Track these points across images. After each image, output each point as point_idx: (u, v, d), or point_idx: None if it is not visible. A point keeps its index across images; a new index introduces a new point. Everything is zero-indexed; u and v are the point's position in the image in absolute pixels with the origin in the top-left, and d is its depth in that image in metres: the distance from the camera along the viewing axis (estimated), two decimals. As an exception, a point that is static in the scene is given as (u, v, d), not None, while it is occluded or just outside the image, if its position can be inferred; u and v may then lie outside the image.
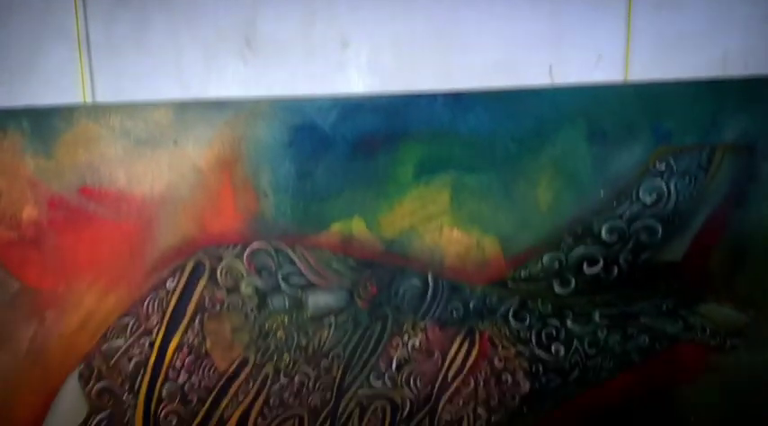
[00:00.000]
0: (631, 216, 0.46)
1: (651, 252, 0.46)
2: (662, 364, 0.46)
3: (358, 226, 0.48)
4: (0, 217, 0.49)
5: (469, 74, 0.48)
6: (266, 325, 0.49)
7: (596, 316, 0.46)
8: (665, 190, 0.45)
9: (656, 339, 0.46)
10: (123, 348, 0.49)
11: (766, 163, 0.45)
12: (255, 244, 0.48)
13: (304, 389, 0.48)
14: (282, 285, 0.48)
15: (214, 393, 0.49)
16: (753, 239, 0.45)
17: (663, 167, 0.45)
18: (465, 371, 0.47)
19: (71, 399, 0.50)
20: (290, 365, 0.48)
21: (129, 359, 0.49)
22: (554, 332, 0.47)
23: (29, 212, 0.49)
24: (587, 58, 0.48)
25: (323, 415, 0.48)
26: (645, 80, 0.47)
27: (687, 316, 0.45)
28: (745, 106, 0.44)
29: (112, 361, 0.49)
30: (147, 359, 0.49)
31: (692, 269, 0.45)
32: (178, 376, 0.49)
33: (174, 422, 0.49)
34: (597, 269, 0.46)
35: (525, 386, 0.47)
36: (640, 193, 0.46)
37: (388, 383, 0.48)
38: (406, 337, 0.48)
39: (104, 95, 0.51)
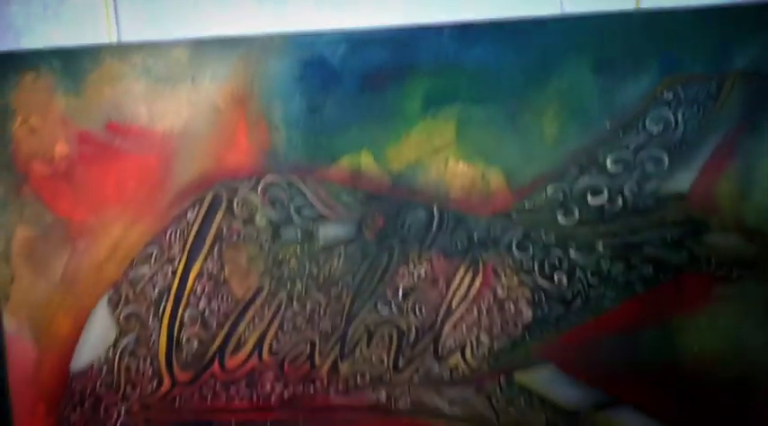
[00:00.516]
0: (637, 146, 0.46)
1: (657, 182, 0.45)
2: (666, 294, 0.46)
3: (366, 160, 0.49)
4: (35, 153, 0.53)
5: (477, 5, 0.48)
6: (280, 255, 0.51)
7: (599, 247, 0.46)
8: (673, 119, 0.45)
9: (661, 269, 0.46)
10: (148, 276, 0.53)
11: (779, 91, 0.44)
12: (269, 178, 0.50)
13: (315, 315, 0.51)
14: (294, 217, 0.50)
15: (232, 318, 0.52)
16: (761, 168, 0.44)
17: (670, 97, 0.45)
18: (469, 300, 0.49)
19: (102, 322, 0.54)
20: (303, 292, 0.51)
21: (154, 287, 0.53)
22: (557, 262, 0.47)
23: (61, 148, 0.53)
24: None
25: (333, 340, 0.51)
26: (656, 7, 0.46)
27: (692, 247, 0.45)
28: (757, 33, 0.43)
29: (138, 288, 0.53)
30: (170, 286, 0.53)
31: (699, 199, 0.45)
32: (198, 302, 0.52)
33: (194, 345, 0.53)
34: (601, 199, 0.46)
35: (527, 314, 0.48)
36: (647, 123, 0.45)
37: (395, 310, 0.50)
38: (411, 267, 0.49)
39: (129, 35, 0.53)
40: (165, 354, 0.53)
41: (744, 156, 0.44)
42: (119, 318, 0.53)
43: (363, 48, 0.48)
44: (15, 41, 0.55)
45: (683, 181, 0.45)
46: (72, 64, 0.51)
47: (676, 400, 0.47)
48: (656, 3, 0.46)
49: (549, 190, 0.47)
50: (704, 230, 0.45)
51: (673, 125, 0.45)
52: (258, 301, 0.51)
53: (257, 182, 0.51)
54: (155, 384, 0.53)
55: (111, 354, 0.53)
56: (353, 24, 0.50)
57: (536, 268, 0.48)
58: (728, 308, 0.45)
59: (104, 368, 0.54)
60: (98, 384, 0.54)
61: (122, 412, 0.54)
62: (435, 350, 0.49)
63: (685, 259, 0.46)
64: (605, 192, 0.46)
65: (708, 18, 0.44)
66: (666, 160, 0.45)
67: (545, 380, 0.48)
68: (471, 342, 0.49)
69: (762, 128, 0.44)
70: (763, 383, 0.45)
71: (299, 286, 0.51)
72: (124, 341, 0.53)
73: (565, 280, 0.47)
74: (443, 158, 0.48)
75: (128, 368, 0.53)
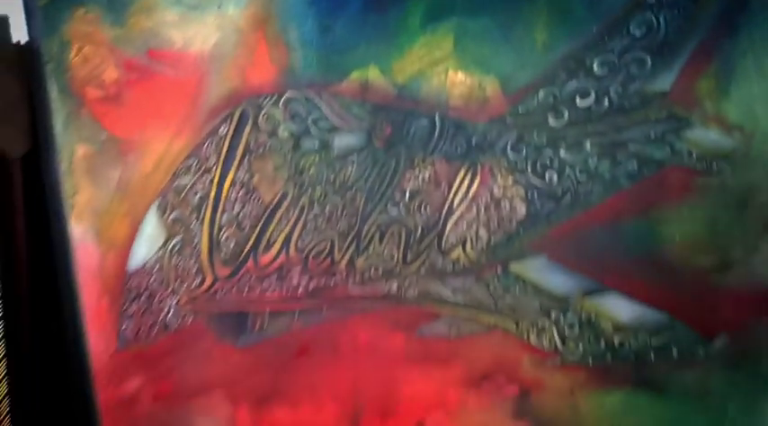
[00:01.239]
0: (622, 49, 0.49)
1: (640, 83, 0.49)
2: (649, 188, 0.50)
3: (373, 74, 0.54)
4: (89, 79, 0.60)
5: None
6: (301, 164, 0.57)
7: (587, 145, 0.50)
8: (655, 22, 0.48)
9: (644, 164, 0.50)
10: (189, 184, 0.60)
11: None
12: (289, 94, 0.56)
13: (333, 216, 0.57)
14: (312, 129, 0.56)
15: (262, 220, 0.59)
16: (740, 66, 0.47)
17: (653, 0, 0.48)
18: (468, 199, 0.54)
19: (152, 226, 0.62)
20: (322, 196, 0.57)
21: (195, 194, 0.60)
22: (548, 162, 0.51)
23: (110, 74, 0.60)
24: None
25: (349, 238, 0.57)
26: None
27: (674, 142, 0.49)
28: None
29: (181, 196, 0.60)
30: (208, 193, 0.60)
31: (680, 97, 0.48)
32: (233, 207, 0.60)
33: (231, 245, 0.60)
34: (589, 101, 0.50)
35: (521, 210, 0.53)
36: (631, 28, 0.48)
37: (403, 211, 0.55)
38: (416, 171, 0.55)
39: None
40: (207, 253, 0.61)
41: (723, 56, 0.47)
42: (166, 222, 0.61)
43: (367, -29, 0.52)
44: None
45: (665, 80, 0.48)
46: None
47: (658, 285, 0.51)
48: None
49: (541, 94, 0.51)
50: (686, 126, 0.49)
51: (655, 28, 0.48)
52: (284, 205, 0.58)
53: (279, 98, 0.57)
54: (199, 280, 0.62)
55: (161, 254, 0.62)
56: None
57: (529, 168, 0.52)
58: (708, 200, 0.49)
59: (156, 267, 0.62)
60: (151, 280, 0.63)
61: (172, 305, 0.63)
62: (439, 245, 0.55)
63: (668, 154, 0.49)
64: (592, 94, 0.50)
65: None
66: (649, 61, 0.48)
67: (538, 269, 0.53)
68: (471, 237, 0.54)
69: (740, 29, 0.46)
70: (738, 269, 0.49)
71: (318, 191, 0.57)
72: (172, 243, 0.61)
73: (555, 178, 0.52)
74: (443, 69, 0.53)
75: (176, 266, 0.62)
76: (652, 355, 0.52)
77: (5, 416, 0.66)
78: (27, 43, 0.65)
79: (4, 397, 0.65)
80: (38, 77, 0.63)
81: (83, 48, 0.60)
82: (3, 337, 0.66)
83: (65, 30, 0.60)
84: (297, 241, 0.59)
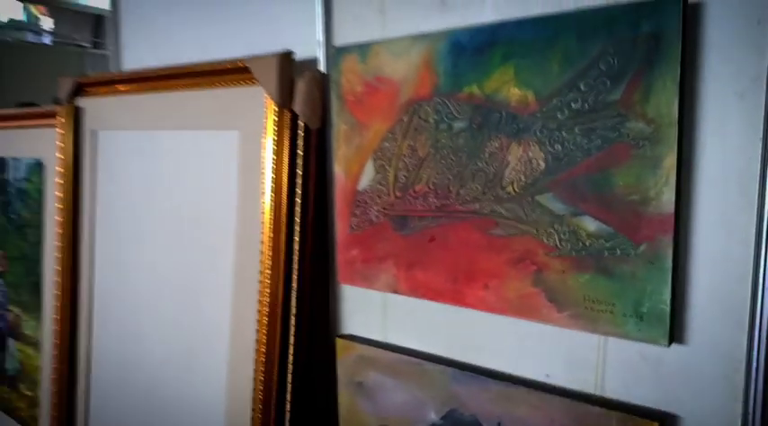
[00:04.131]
0: (595, 76, 0.82)
1: (604, 95, 0.81)
2: (607, 154, 0.82)
3: (475, 89, 0.96)
4: (349, 90, 1.15)
5: None
6: (437, 136, 1.03)
7: (576, 129, 0.83)
8: (612, 61, 0.81)
9: (605, 141, 0.79)
10: (387, 146, 1.11)
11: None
12: (434, 99, 1.02)
13: (450, 166, 1.01)
14: (443, 117, 1.02)
15: (417, 167, 1.07)
16: (654, 85, 0.78)
17: (611, 50, 0.82)
18: (516, 158, 0.94)
19: (369, 168, 1.14)
20: (446, 155, 1.02)
21: (389, 151, 1.11)
22: (556, 138, 0.87)
23: (358, 88, 1.12)
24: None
25: (457, 178, 1.01)
26: None
27: (620, 129, 0.78)
28: None
29: (383, 152, 1.12)
30: (395, 152, 1.10)
31: (624, 103, 0.80)
32: (404, 159, 1.09)
33: (402, 180, 1.09)
34: (578, 105, 0.84)
35: (542, 165, 0.89)
36: (599, 64, 0.82)
37: (484, 164, 0.97)
38: (492, 142, 0.95)
39: (373, 35, 1.12)
40: (392, 183, 1.11)
41: (645, 79, 0.78)
42: (375, 166, 1.12)
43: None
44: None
45: (616, 94, 0.80)
46: (365, 49, 1.12)
47: (610, 211, 0.84)
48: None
49: (554, 101, 0.87)
50: (626, 120, 0.80)
51: (612, 64, 0.80)
52: (428, 159, 1.05)
53: (429, 101, 1.04)
54: (386, 198, 1.12)
55: (371, 183, 1.14)
56: None
57: (547, 142, 0.88)
58: (637, 162, 0.80)
59: (369, 189, 1.15)
60: (366, 197, 1.15)
61: (374, 210, 1.15)
62: (500, 184, 0.96)
63: (617, 135, 0.81)
64: (579, 101, 0.84)
65: None
66: (609, 83, 0.81)
67: (548, 200, 0.89)
68: (516, 179, 0.94)
69: (654, 64, 0.78)
70: (652, 203, 0.80)
71: (444, 151, 1.02)
72: (377, 177, 1.13)
73: (560, 148, 0.88)
74: (508, 87, 0.93)
75: (377, 189, 1.13)
76: (606, 253, 0.82)
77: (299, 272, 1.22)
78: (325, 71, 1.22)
79: (301, 258, 1.23)
80: (327, 88, 1.19)
81: (348, 74, 1.16)
82: (302, 225, 1.25)
83: (341, 64, 1.15)
84: (432, 179, 1.05)
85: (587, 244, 0.79)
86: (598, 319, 0.83)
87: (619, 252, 0.77)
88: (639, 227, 0.75)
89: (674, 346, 0.80)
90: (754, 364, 0.73)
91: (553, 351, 0.92)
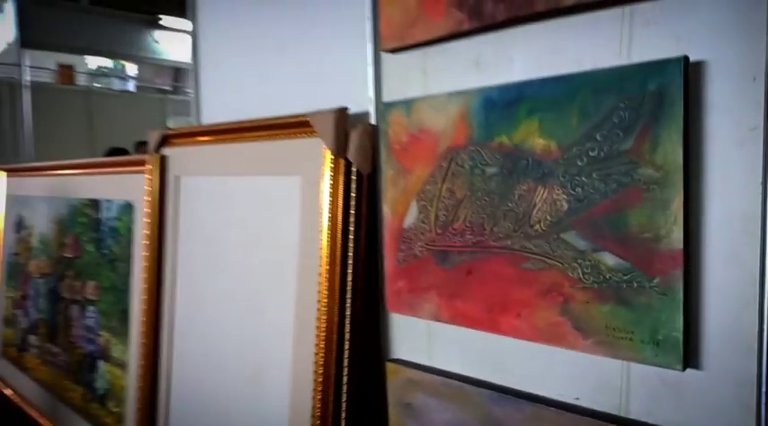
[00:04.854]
0: (609, 128, 0.92)
1: (617, 144, 0.91)
2: (621, 197, 0.91)
3: (504, 139, 1.06)
4: (395, 139, 1.28)
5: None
6: (472, 180, 1.13)
7: (594, 175, 0.94)
8: (624, 115, 0.90)
9: (619, 186, 0.89)
10: (429, 189, 1.23)
11: None
12: (469, 147, 1.13)
13: (484, 207, 1.11)
14: (477, 164, 1.13)
15: (455, 207, 1.17)
16: (661, 136, 0.86)
17: (623, 105, 0.91)
18: (542, 200, 1.03)
19: (413, 207, 1.26)
20: (480, 197, 1.12)
21: (431, 193, 1.22)
22: (577, 182, 0.97)
23: (403, 138, 1.24)
24: None
25: (491, 218, 1.11)
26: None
27: (632, 175, 0.88)
28: None
29: (425, 194, 1.23)
30: (437, 193, 1.21)
31: (635, 151, 0.89)
32: (444, 200, 1.20)
33: (442, 218, 1.20)
34: (595, 153, 0.94)
35: (565, 206, 0.99)
36: (613, 118, 0.91)
37: (514, 204, 1.07)
38: (521, 186, 1.05)
39: (416, 91, 1.24)
40: (434, 222, 1.22)
41: (653, 131, 0.87)
42: (419, 205, 1.24)
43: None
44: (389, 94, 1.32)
45: (628, 143, 0.89)
46: (409, 105, 1.25)
47: (626, 247, 0.92)
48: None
49: (574, 150, 0.97)
50: (637, 166, 0.89)
51: (624, 118, 0.90)
52: (464, 200, 1.15)
53: (465, 149, 1.15)
54: (428, 234, 1.23)
55: (415, 221, 1.25)
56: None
57: (569, 185, 0.97)
58: (648, 204, 0.88)
59: (413, 227, 1.26)
60: (411, 233, 1.26)
61: (418, 246, 1.25)
62: (529, 222, 1.05)
63: (629, 180, 0.89)
64: (596, 149, 0.94)
65: None
66: (621, 134, 0.90)
67: (572, 237, 0.98)
68: (542, 219, 1.03)
69: (660, 118, 0.86)
70: (663, 241, 0.87)
71: (479, 194, 1.13)
72: (420, 216, 1.24)
73: (580, 191, 0.97)
74: (533, 137, 1.03)
75: (420, 227, 1.24)
76: (624, 285, 0.89)
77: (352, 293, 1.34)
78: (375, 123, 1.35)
79: (354, 279, 1.35)
80: (377, 138, 1.31)
81: (394, 126, 1.29)
82: (355, 259, 1.37)
83: (388, 118, 1.27)
84: (469, 218, 1.15)
85: (607, 277, 0.84)
86: (619, 346, 0.90)
87: (635, 284, 0.81)
88: (653, 262, 0.79)
89: (690, 371, 0.86)
90: (764, 389, 0.78)
91: (581, 376, 0.98)
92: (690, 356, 0.86)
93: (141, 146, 4.29)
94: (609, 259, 0.86)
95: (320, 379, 1.26)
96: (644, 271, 0.82)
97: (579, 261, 0.88)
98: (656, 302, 0.81)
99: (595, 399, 0.97)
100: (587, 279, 0.87)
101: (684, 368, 0.85)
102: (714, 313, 0.84)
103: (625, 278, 0.84)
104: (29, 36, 3.84)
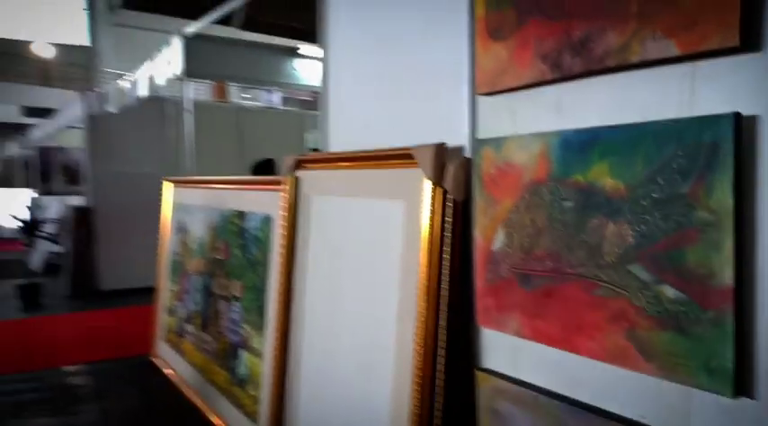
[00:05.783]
0: (669, 173, 1.00)
1: (676, 187, 0.99)
2: (681, 236, 0.98)
3: (579, 177, 1.17)
4: (487, 172, 1.43)
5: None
6: (550, 212, 1.25)
7: (656, 213, 1.02)
8: (683, 162, 0.98)
9: (678, 225, 0.97)
10: (514, 217, 1.36)
11: None
12: (548, 183, 1.25)
13: (561, 237, 1.23)
14: (556, 197, 1.24)
15: (537, 236, 1.29)
16: (714, 182, 0.93)
17: (681, 153, 0.99)
18: (611, 233, 1.12)
19: (500, 233, 1.40)
20: (558, 228, 1.24)
21: (514, 222, 1.35)
22: (641, 219, 1.06)
23: (492, 170, 1.40)
24: None
25: (567, 247, 1.22)
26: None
27: (690, 216, 0.96)
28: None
29: (511, 221, 1.36)
30: (518, 221, 1.34)
31: (691, 195, 0.97)
32: (526, 228, 1.32)
33: (524, 244, 1.33)
34: (657, 194, 1.02)
35: (630, 240, 1.08)
36: (673, 164, 1.00)
37: (587, 236, 1.17)
38: (593, 219, 1.16)
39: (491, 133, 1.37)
40: (519, 247, 1.34)
41: (707, 178, 0.93)
42: (505, 231, 1.38)
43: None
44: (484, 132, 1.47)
45: (685, 188, 0.97)
46: (499, 142, 1.39)
47: (685, 281, 0.99)
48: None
49: (639, 190, 1.06)
50: (693, 209, 0.96)
51: (682, 165, 0.97)
52: (544, 230, 1.27)
53: (545, 184, 1.26)
54: (514, 258, 1.36)
55: (501, 245, 1.38)
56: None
57: (634, 222, 1.07)
58: (704, 243, 0.94)
59: (500, 250, 1.39)
60: (498, 256, 1.40)
61: (504, 267, 1.38)
62: (600, 253, 1.14)
63: (688, 221, 0.96)
64: (658, 191, 1.02)
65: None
66: (679, 179, 0.98)
67: (636, 269, 1.07)
68: (611, 251, 1.12)
69: (713, 166, 0.92)
70: (717, 277, 0.93)
71: (557, 225, 1.24)
72: (505, 241, 1.38)
73: (644, 227, 1.05)
74: (604, 177, 1.13)
75: (505, 251, 1.37)
76: (682, 316, 0.97)
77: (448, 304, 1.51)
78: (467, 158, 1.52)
79: (449, 292, 1.51)
80: (470, 170, 1.48)
81: (485, 160, 1.43)
82: (450, 276, 1.53)
83: (481, 152, 1.42)
84: (547, 245, 1.26)
85: (668, 307, 0.93)
86: (678, 371, 0.98)
87: (692, 316, 0.90)
88: (707, 296, 0.88)
89: (745, 400, 0.92)
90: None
91: (647, 396, 1.07)
92: (742, 385, 0.92)
93: (260, 165, 4.69)
94: (669, 291, 0.94)
95: (418, 381, 1.44)
96: (699, 304, 0.90)
97: (644, 291, 0.97)
98: (709, 333, 0.88)
99: (660, 418, 1.05)
100: (650, 309, 0.96)
101: (735, 396, 0.91)
102: (767, 346, 0.89)
103: (683, 309, 0.92)
104: (190, 67, 4.46)
